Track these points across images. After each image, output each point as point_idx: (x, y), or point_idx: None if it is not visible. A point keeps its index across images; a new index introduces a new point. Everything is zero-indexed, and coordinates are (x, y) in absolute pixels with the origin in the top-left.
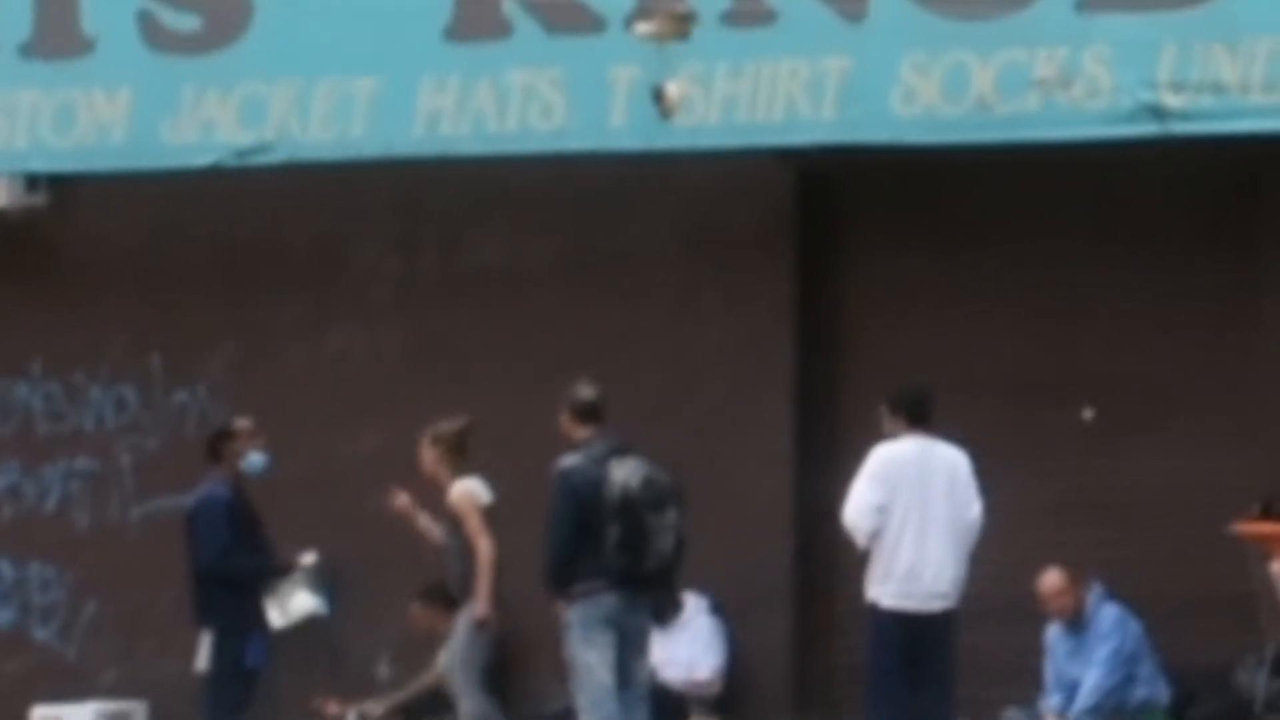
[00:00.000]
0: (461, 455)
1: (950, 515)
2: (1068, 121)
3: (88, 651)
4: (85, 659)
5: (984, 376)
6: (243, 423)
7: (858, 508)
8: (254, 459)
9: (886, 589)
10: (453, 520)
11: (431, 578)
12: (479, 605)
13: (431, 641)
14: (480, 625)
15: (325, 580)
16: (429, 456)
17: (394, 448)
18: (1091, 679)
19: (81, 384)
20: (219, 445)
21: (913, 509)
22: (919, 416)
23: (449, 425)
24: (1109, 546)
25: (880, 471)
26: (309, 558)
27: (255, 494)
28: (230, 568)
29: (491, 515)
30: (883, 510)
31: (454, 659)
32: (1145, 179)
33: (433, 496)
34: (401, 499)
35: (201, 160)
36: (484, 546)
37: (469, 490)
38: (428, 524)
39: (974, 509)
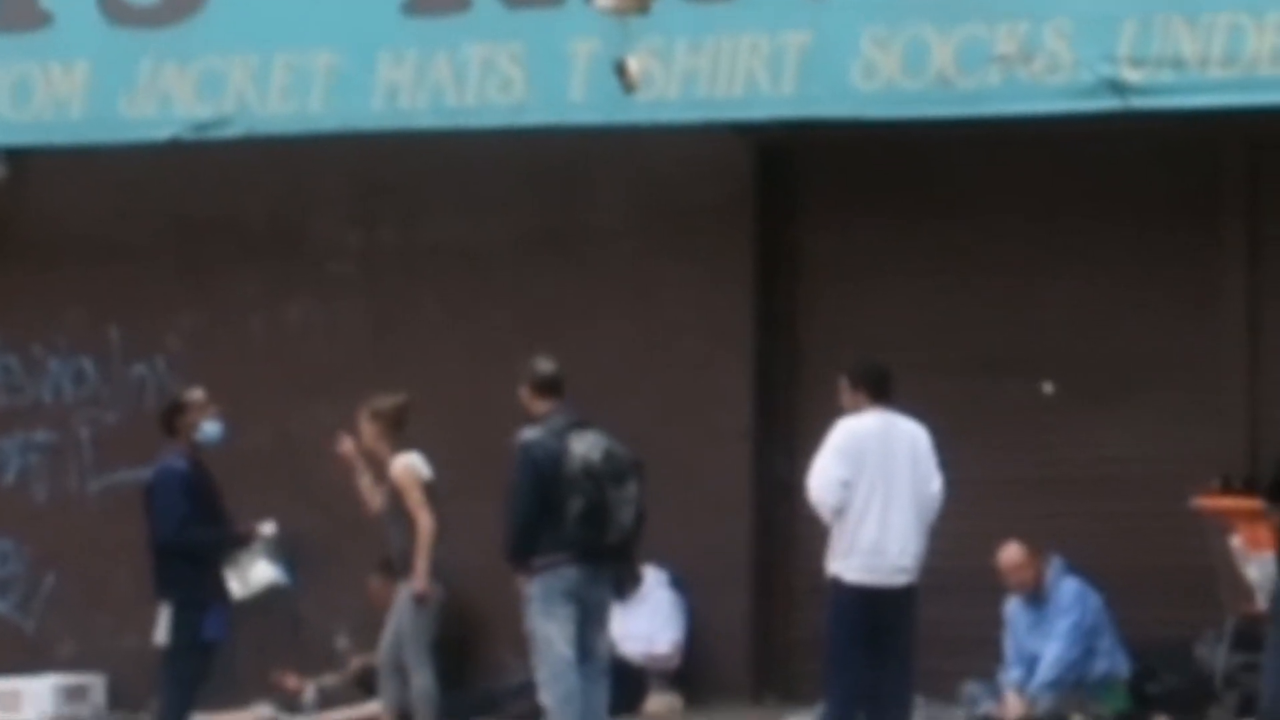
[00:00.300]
0: (400, 430)
1: (913, 490)
2: (1028, 96)
3: (46, 624)
4: (43, 632)
5: (944, 351)
6: (194, 394)
7: (823, 483)
8: (208, 429)
9: (850, 563)
10: (394, 495)
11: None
12: (416, 580)
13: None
14: (419, 601)
15: (284, 550)
16: (368, 431)
17: (353, 420)
18: (1051, 652)
19: (40, 356)
20: (173, 418)
21: (877, 484)
22: (880, 391)
23: (388, 400)
24: (1069, 520)
25: (844, 446)
26: (268, 528)
27: (214, 466)
28: (188, 540)
29: (432, 490)
30: (847, 485)
31: (401, 635)
32: (1106, 154)
33: (300, 475)
34: (346, 444)
35: (160, 134)
36: (424, 521)
37: (410, 465)
38: (369, 486)
39: (935, 483)
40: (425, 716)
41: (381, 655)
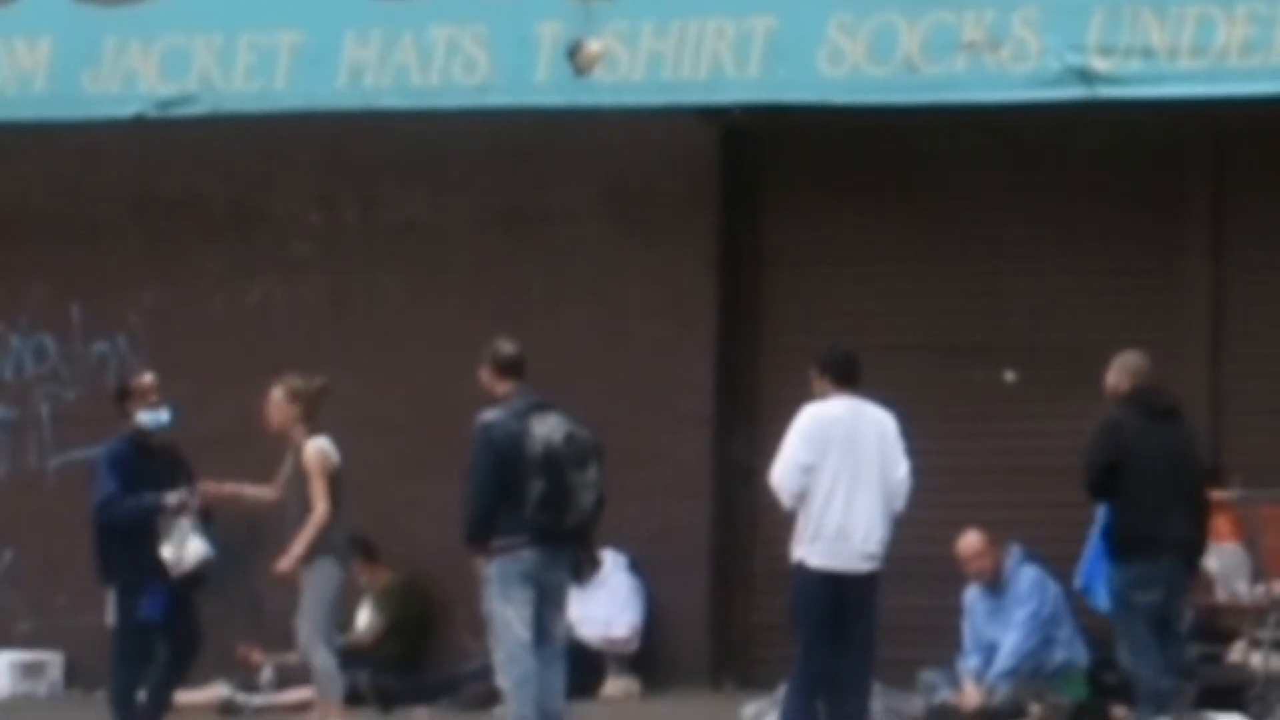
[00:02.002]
0: (315, 415)
1: (879, 476)
2: (995, 84)
3: (3, 601)
4: (1, 609)
5: (906, 337)
6: (141, 379)
7: (784, 468)
8: (144, 418)
9: (815, 548)
10: (300, 475)
11: (352, 530)
12: (286, 559)
13: (353, 593)
14: (280, 579)
15: (206, 521)
16: (287, 412)
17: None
18: (1010, 641)
19: (1, 333)
20: (118, 402)
21: (842, 469)
22: (846, 377)
23: (308, 383)
24: (1028, 508)
25: (809, 431)
26: (173, 497)
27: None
28: (110, 515)
29: (338, 477)
30: (809, 470)
31: (302, 616)
32: (1071, 142)
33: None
34: (208, 486)
35: (123, 111)
36: (321, 510)
37: (323, 450)
38: (252, 490)
39: (901, 469)
40: (331, 695)
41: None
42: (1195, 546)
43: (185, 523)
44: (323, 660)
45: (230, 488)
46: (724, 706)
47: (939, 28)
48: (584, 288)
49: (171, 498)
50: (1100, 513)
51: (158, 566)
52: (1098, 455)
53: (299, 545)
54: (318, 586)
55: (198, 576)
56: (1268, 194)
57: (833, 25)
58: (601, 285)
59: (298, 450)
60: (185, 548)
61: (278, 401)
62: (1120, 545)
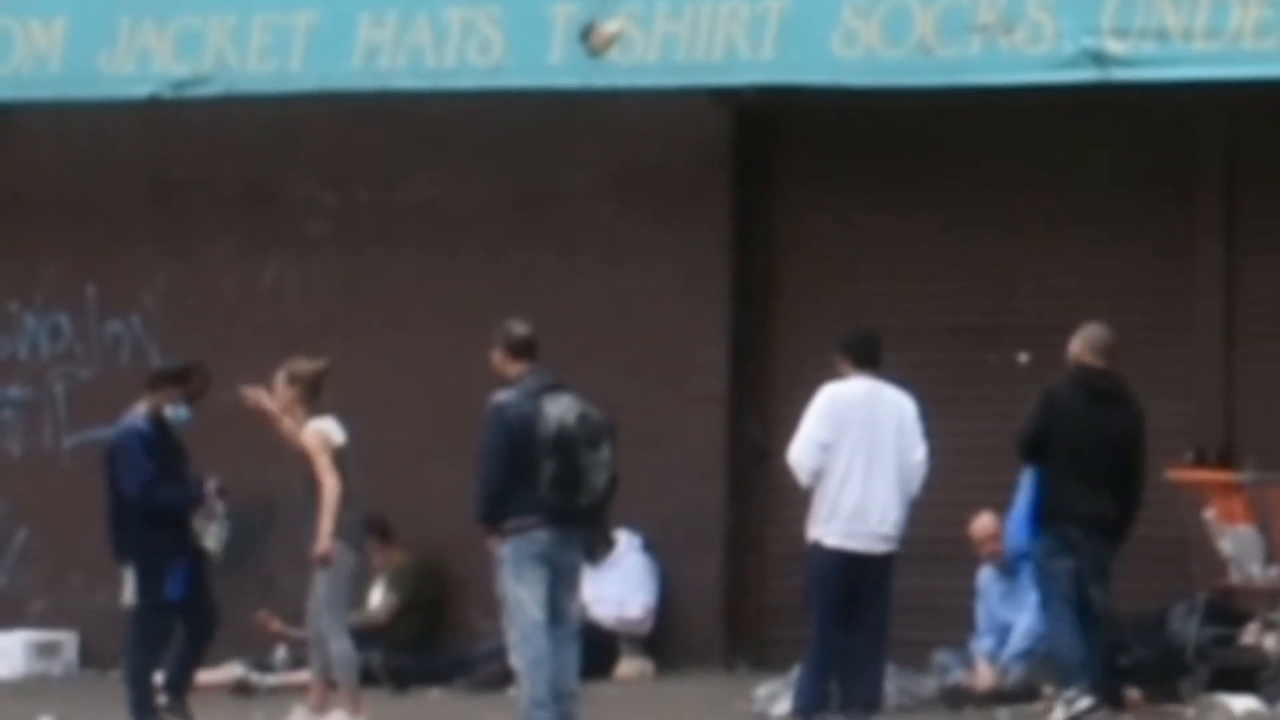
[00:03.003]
0: (317, 397)
1: (896, 458)
2: (1009, 66)
3: (17, 581)
4: (15, 588)
5: (920, 320)
6: (198, 377)
7: (802, 445)
8: (181, 411)
9: (831, 528)
10: (307, 460)
11: (366, 511)
12: (320, 541)
13: (368, 573)
14: (321, 562)
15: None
16: (286, 395)
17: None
18: (1024, 623)
19: (15, 312)
20: (162, 382)
21: (860, 449)
22: (865, 357)
23: (308, 365)
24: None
25: (827, 410)
26: (212, 484)
27: (188, 426)
28: (154, 500)
29: (343, 456)
30: (826, 448)
31: (316, 602)
32: (1086, 125)
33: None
34: (251, 395)
35: (138, 91)
36: (329, 484)
37: (321, 430)
38: (291, 428)
39: (918, 453)
40: (348, 682)
41: (309, 626)
42: (1119, 528)
43: (220, 506)
44: (339, 646)
45: (268, 410)
46: (737, 687)
47: (953, 10)
48: (597, 269)
49: (210, 485)
50: (1026, 482)
51: (180, 546)
52: (1028, 422)
53: (325, 524)
54: (330, 571)
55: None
56: None
57: (846, 7)
58: (615, 266)
59: (298, 432)
60: (217, 528)
61: (279, 384)
62: (1043, 512)
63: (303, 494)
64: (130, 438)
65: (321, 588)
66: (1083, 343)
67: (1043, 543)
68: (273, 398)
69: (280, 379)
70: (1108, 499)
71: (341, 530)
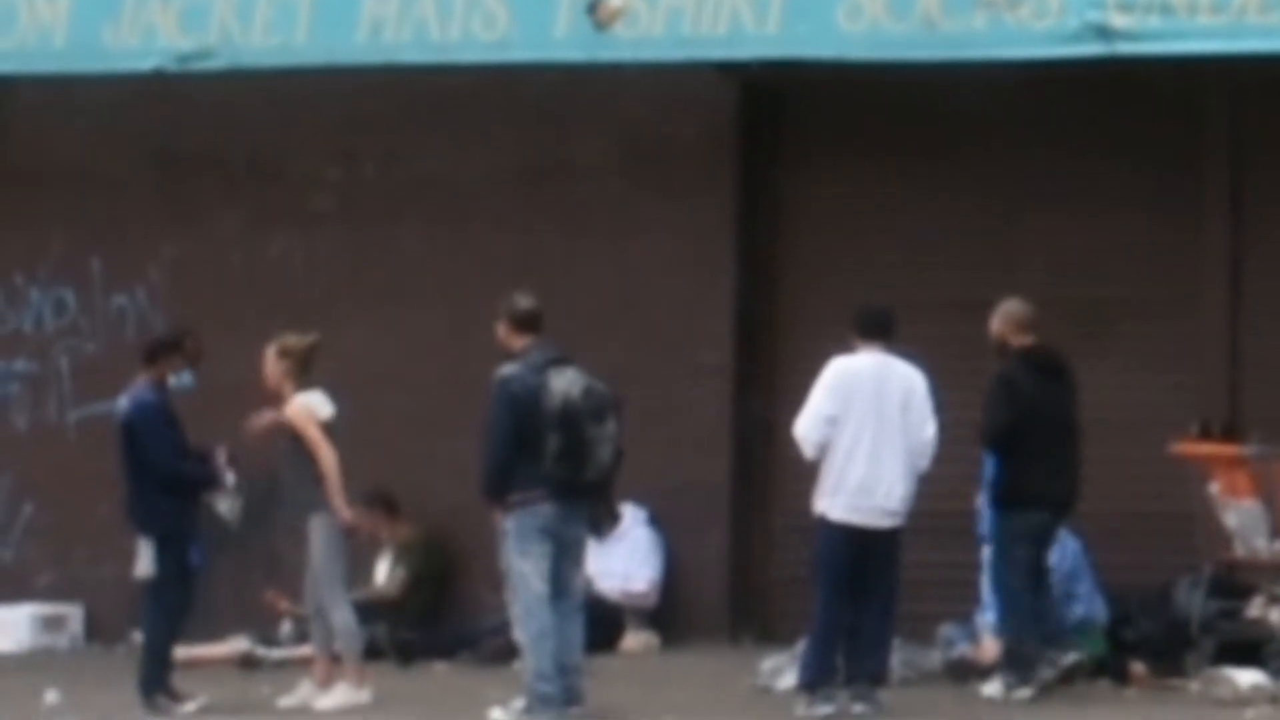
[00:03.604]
0: (307, 371)
1: (904, 433)
2: (1014, 40)
3: (23, 554)
4: (21, 562)
5: (925, 293)
6: (191, 342)
7: (808, 419)
8: (185, 378)
9: (837, 502)
10: (292, 435)
11: (369, 483)
12: (340, 512)
13: (373, 546)
14: (349, 532)
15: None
16: (275, 370)
17: (331, 354)
18: None
19: (21, 286)
20: (159, 353)
21: (866, 423)
22: (871, 330)
23: (298, 340)
24: None
25: (834, 384)
26: (222, 456)
27: (192, 397)
28: (182, 472)
29: (330, 429)
30: (833, 422)
31: (314, 574)
32: (1091, 99)
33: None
34: (263, 419)
35: (143, 65)
36: (325, 455)
37: (306, 404)
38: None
39: (929, 430)
40: (351, 653)
41: (307, 600)
42: (1069, 503)
43: (231, 476)
44: (342, 617)
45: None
46: (742, 661)
47: None
48: (603, 242)
49: (220, 456)
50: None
51: (199, 516)
52: (999, 414)
53: (335, 497)
54: (322, 541)
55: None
56: None
57: None
58: (621, 240)
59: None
60: (233, 500)
61: (269, 358)
62: (1009, 498)
63: (289, 470)
64: (149, 411)
65: (316, 560)
66: (1010, 321)
67: (1008, 527)
68: (266, 379)
69: (270, 353)
70: (1063, 478)
71: (324, 503)
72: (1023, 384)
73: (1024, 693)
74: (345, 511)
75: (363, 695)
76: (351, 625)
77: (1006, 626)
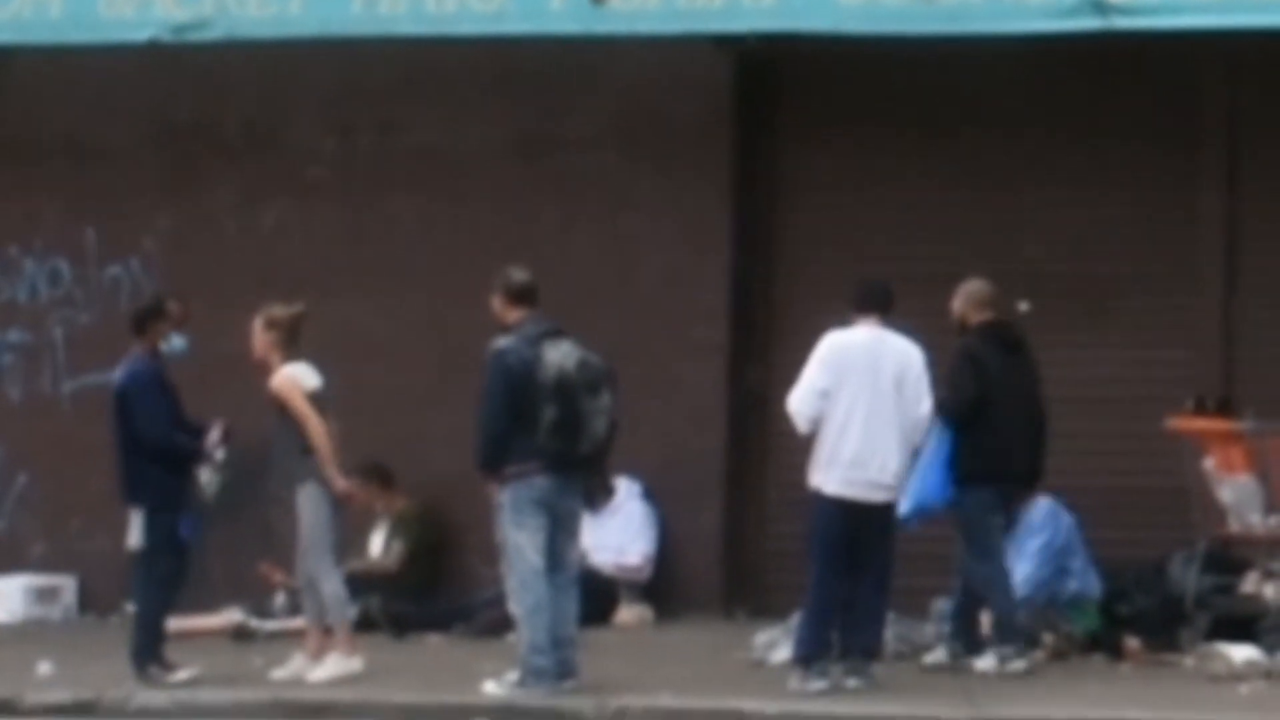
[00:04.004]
0: (294, 342)
1: (899, 408)
2: (1011, 14)
3: (17, 526)
4: (14, 532)
5: (920, 267)
6: (174, 305)
7: (801, 393)
8: (176, 341)
9: (830, 476)
10: (277, 407)
11: (365, 455)
12: (335, 482)
13: (368, 518)
14: (344, 500)
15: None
16: (262, 340)
17: (326, 326)
18: (1023, 571)
19: (15, 256)
20: (147, 321)
21: (860, 397)
22: (867, 304)
23: (284, 310)
24: None
25: (828, 357)
26: (216, 431)
27: (187, 370)
28: (173, 444)
29: (318, 400)
30: (826, 395)
31: (303, 546)
32: (1087, 73)
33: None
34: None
35: (138, 35)
36: (313, 426)
37: (291, 375)
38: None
39: (924, 405)
40: (339, 622)
41: (298, 572)
42: (1034, 477)
43: (220, 452)
44: (331, 588)
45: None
46: (737, 635)
47: None
48: (598, 215)
49: (215, 431)
50: (934, 439)
51: (191, 488)
52: (965, 389)
53: (327, 466)
54: (310, 512)
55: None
56: None
57: None
58: (616, 213)
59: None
60: (217, 477)
61: (256, 329)
62: (972, 472)
63: (276, 442)
64: (142, 380)
65: (305, 531)
66: (972, 300)
67: (977, 500)
68: (253, 350)
69: (257, 324)
70: (1027, 451)
71: (313, 473)
72: (986, 358)
73: (1018, 664)
74: (339, 481)
75: (354, 664)
76: (341, 595)
77: (992, 602)
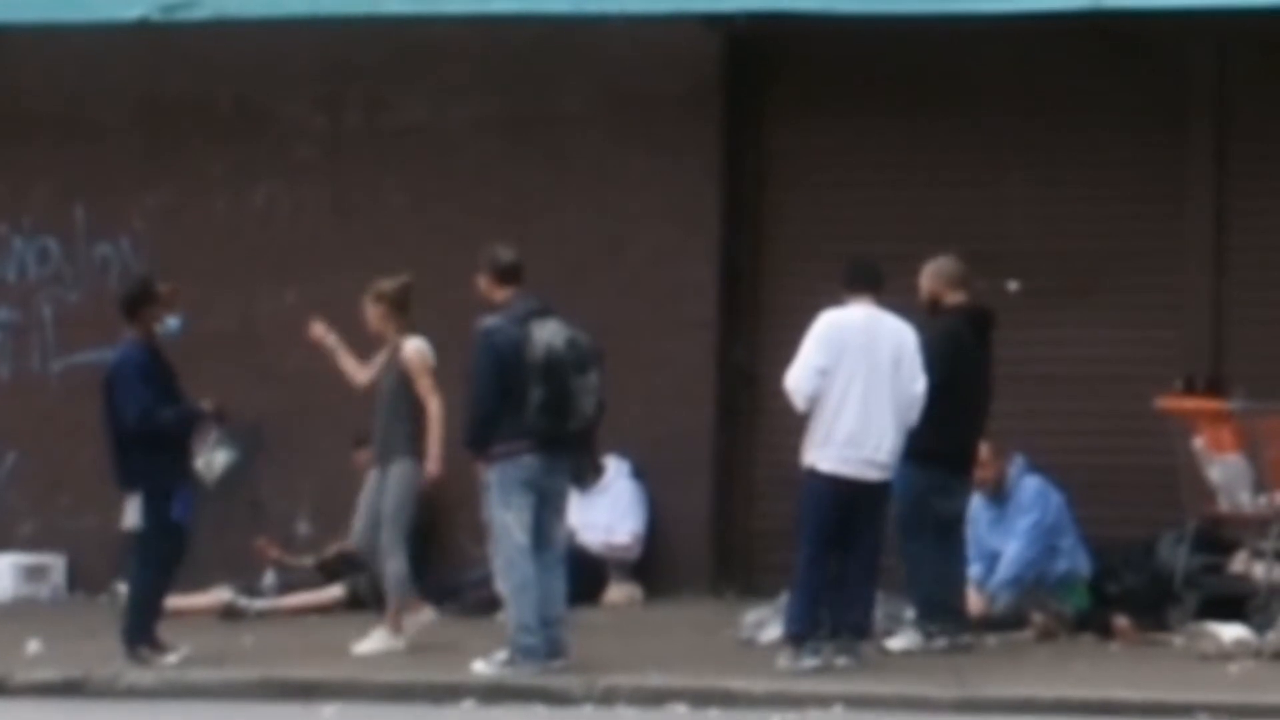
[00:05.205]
0: (405, 312)
1: (894, 387)
2: None
3: (5, 504)
4: (3, 511)
5: (909, 245)
6: (164, 287)
7: (799, 371)
8: (171, 323)
9: (826, 454)
10: (401, 377)
11: (364, 424)
12: (431, 464)
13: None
14: (433, 484)
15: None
16: (373, 314)
17: (316, 303)
18: (1012, 550)
19: (4, 235)
20: (138, 305)
21: (856, 376)
22: (859, 284)
23: (391, 282)
24: (1032, 418)
25: (826, 335)
26: (207, 404)
27: (177, 348)
28: (153, 425)
29: (436, 375)
30: (823, 374)
31: (383, 516)
32: (1076, 53)
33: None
34: (316, 329)
35: (128, 14)
36: (434, 406)
37: (423, 350)
38: (352, 365)
39: (919, 384)
40: (397, 600)
41: (357, 539)
42: (972, 461)
43: (215, 431)
44: (396, 565)
45: (333, 342)
46: (726, 613)
47: None
48: (586, 193)
49: (207, 405)
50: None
51: (184, 469)
52: (943, 368)
53: (434, 445)
54: (400, 487)
55: (223, 481)
56: (1272, 104)
57: None
58: (604, 191)
59: (394, 349)
60: (215, 454)
61: (366, 305)
62: (929, 452)
63: (385, 410)
64: (126, 365)
65: (387, 504)
66: (942, 278)
67: (931, 482)
68: (367, 324)
69: (368, 300)
70: (975, 435)
71: (414, 449)
72: (966, 341)
73: (942, 642)
74: (435, 465)
75: (399, 643)
76: (403, 574)
77: (914, 579)
